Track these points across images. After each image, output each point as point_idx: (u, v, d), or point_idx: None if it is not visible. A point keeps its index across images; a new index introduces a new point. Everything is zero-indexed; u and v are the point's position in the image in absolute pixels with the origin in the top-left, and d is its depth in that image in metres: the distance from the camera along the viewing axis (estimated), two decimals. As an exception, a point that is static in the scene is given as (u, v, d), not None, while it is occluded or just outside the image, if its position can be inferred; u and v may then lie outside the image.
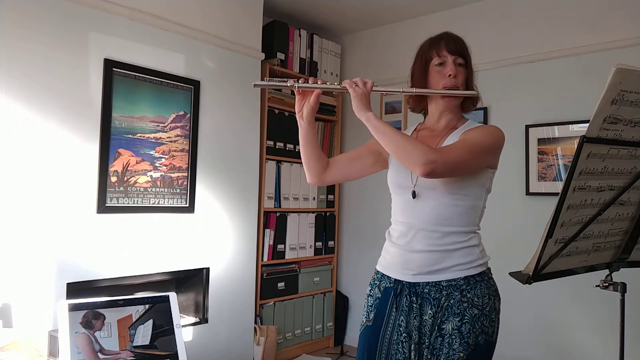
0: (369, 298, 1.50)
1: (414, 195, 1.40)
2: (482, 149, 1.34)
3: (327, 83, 1.42)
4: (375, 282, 1.51)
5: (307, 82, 1.42)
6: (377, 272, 1.52)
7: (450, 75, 1.39)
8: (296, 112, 1.47)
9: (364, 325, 1.48)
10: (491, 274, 1.42)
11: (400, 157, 1.31)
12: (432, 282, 1.37)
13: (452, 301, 1.34)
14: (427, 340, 1.36)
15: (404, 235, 1.43)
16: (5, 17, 2.12)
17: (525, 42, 3.06)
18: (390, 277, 1.45)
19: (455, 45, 1.41)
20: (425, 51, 1.44)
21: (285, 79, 1.40)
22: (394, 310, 1.41)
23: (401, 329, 1.39)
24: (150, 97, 2.61)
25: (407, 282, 1.40)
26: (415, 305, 1.38)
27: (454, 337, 1.32)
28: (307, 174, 1.56)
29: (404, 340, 1.38)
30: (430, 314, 1.36)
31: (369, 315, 1.48)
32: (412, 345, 1.37)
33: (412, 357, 1.37)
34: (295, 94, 1.45)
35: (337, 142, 3.83)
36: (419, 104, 1.50)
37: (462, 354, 1.31)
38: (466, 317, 1.33)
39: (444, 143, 1.41)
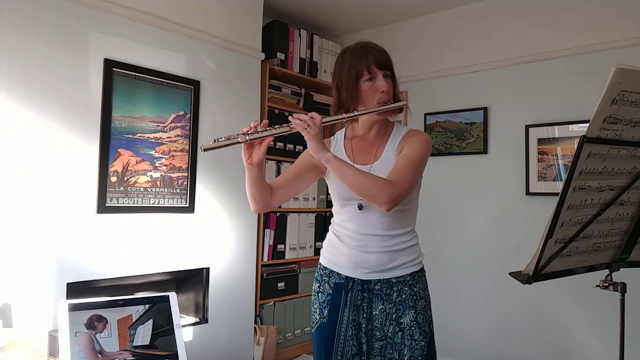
0: (320, 294, 1.53)
1: (360, 207, 1.46)
2: (424, 162, 1.45)
3: (276, 127, 1.40)
4: (324, 277, 1.53)
5: (257, 132, 1.38)
6: (325, 268, 1.54)
7: (383, 91, 1.43)
8: (244, 160, 1.45)
9: (319, 322, 1.51)
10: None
11: (365, 196, 1.37)
12: (384, 279, 1.45)
13: (404, 296, 1.44)
14: (378, 334, 1.44)
15: (355, 240, 1.48)
16: (5, 18, 2.12)
17: (525, 42, 3.06)
18: (340, 274, 1.49)
19: (383, 58, 1.44)
20: (353, 66, 1.44)
21: (234, 136, 1.37)
22: (346, 306, 1.46)
23: (354, 324, 1.45)
24: (150, 97, 2.61)
25: (358, 279, 1.46)
26: (366, 300, 1.46)
27: (413, 328, 1.42)
28: (253, 205, 1.54)
29: (356, 334, 1.45)
30: (381, 308, 1.44)
31: (322, 312, 1.51)
32: (363, 339, 1.45)
33: (364, 349, 1.45)
34: (242, 145, 1.41)
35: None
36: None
37: (423, 343, 1.42)
38: (419, 309, 1.44)
39: (382, 152, 1.48)
